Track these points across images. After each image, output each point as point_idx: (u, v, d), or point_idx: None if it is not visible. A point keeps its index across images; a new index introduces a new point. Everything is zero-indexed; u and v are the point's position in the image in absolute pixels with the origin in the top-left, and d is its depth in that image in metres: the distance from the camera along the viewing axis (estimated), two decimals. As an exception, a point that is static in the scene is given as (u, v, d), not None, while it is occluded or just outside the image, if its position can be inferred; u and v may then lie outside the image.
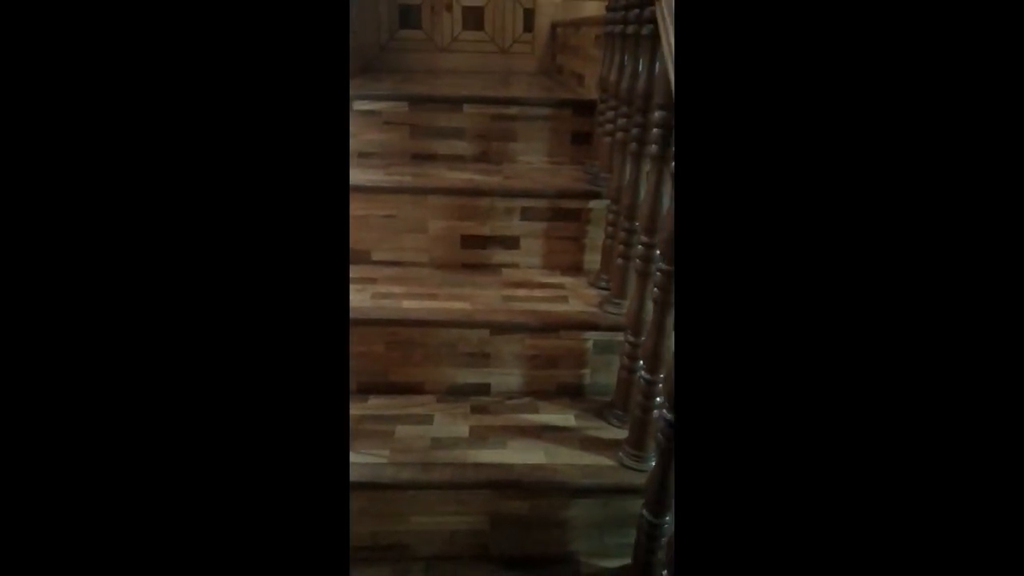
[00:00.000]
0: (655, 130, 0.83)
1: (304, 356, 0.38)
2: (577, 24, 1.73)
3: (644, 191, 0.90)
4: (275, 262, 0.38)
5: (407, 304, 1.06)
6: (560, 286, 1.16)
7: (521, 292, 1.13)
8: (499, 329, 1.03)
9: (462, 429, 0.97)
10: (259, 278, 0.38)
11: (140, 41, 0.36)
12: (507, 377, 1.06)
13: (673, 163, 0.71)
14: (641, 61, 0.93)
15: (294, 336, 0.38)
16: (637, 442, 0.89)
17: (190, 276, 0.37)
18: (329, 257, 0.39)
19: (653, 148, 0.84)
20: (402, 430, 0.96)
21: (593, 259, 1.22)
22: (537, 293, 1.13)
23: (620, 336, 1.00)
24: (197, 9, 0.36)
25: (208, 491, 0.37)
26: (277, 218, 0.38)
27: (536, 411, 1.03)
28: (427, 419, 1.00)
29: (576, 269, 1.24)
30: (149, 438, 0.37)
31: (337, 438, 0.39)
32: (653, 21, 0.84)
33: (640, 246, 0.90)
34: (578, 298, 1.11)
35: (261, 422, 0.38)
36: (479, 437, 0.96)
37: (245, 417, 0.38)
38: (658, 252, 0.80)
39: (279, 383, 0.38)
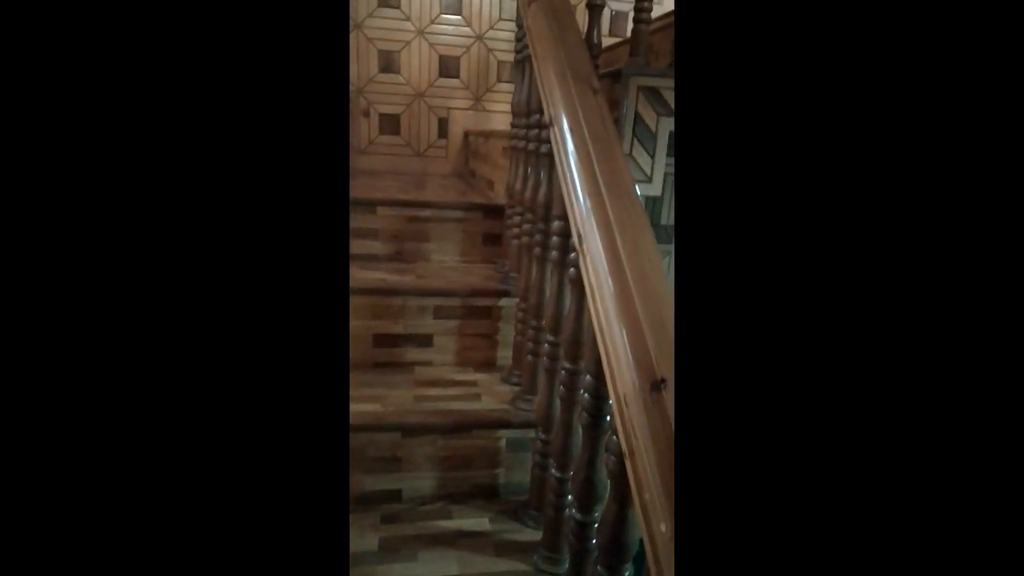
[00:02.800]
0: (555, 238, 0.90)
1: (302, 360, 0.40)
2: (487, 135, 1.87)
3: (548, 292, 0.96)
4: (273, 288, 0.40)
5: (314, 408, 1.02)
6: (473, 383, 1.17)
7: (434, 391, 1.12)
8: (411, 431, 1.01)
9: (371, 542, 0.92)
10: (259, 292, 0.39)
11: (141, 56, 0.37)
12: (419, 481, 1.03)
13: (572, 269, 0.77)
14: (541, 174, 1.01)
15: (292, 347, 0.40)
16: (551, 544, 0.88)
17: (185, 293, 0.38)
18: (327, 281, 0.41)
19: (554, 254, 0.90)
20: (304, 547, 0.90)
21: (505, 355, 1.25)
22: (450, 391, 1.13)
23: (533, 433, 1.01)
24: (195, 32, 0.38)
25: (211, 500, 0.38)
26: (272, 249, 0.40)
27: (450, 516, 1.00)
28: (333, 533, 0.93)
29: (489, 365, 1.25)
30: (145, 453, 0.37)
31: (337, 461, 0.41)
32: (550, 142, 0.93)
33: (547, 344, 0.94)
34: (491, 395, 1.12)
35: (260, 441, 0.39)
36: (389, 549, 0.90)
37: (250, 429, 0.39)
38: (562, 351, 0.84)
39: (278, 401, 0.39)
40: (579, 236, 0.68)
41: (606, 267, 0.60)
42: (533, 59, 0.95)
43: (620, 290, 0.57)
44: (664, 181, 1.48)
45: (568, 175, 0.72)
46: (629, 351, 0.53)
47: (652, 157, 1.34)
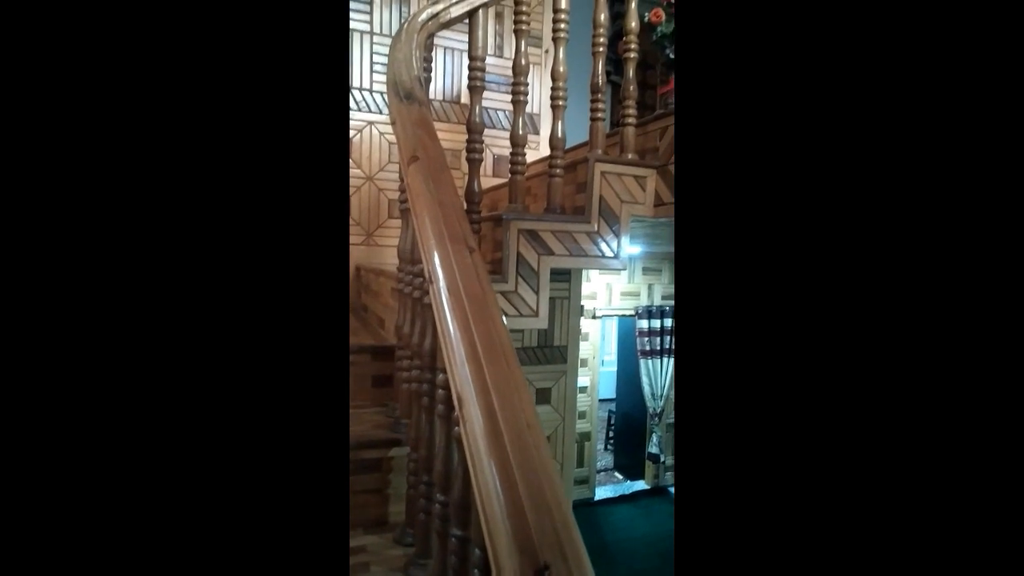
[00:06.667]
0: (440, 391, 0.88)
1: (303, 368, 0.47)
2: (377, 272, 1.87)
3: (437, 446, 0.92)
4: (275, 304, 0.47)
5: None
6: (362, 549, 1.06)
7: (316, 565, 1.00)
8: (286, 622, 0.88)
9: None
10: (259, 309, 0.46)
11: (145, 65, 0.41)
12: None
13: (456, 427, 0.75)
14: (427, 322, 1.01)
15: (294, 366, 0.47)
16: None
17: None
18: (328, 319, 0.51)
19: (440, 408, 0.88)
20: None
21: (398, 510, 1.16)
22: (335, 563, 1.01)
23: (428, 605, 0.91)
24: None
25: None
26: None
27: None
28: None
29: (380, 524, 1.16)
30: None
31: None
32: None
33: (438, 504, 0.88)
34: (381, 562, 1.02)
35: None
36: None
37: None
38: (452, 513, 0.79)
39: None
40: (458, 400, 0.67)
41: (485, 437, 0.59)
42: (413, 216, 0.99)
43: (500, 464, 0.56)
44: (550, 310, 1.55)
45: (447, 336, 0.73)
46: (511, 535, 0.51)
47: (537, 293, 1.40)
